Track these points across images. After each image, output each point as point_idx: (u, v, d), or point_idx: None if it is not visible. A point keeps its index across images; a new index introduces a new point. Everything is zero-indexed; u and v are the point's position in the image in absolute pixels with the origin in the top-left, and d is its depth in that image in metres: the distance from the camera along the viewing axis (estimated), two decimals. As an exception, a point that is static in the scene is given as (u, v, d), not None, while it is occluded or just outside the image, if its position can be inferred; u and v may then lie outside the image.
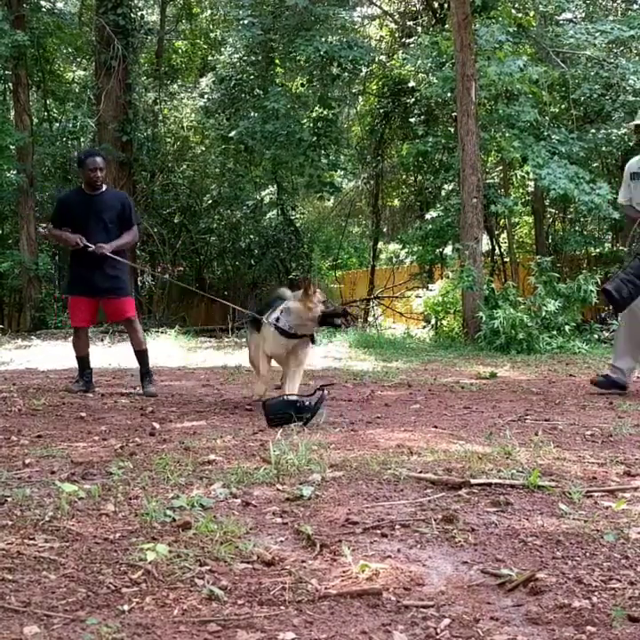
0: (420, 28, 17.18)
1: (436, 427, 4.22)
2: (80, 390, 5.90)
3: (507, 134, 12.15)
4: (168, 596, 1.89)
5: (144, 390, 5.94)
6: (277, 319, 4.93)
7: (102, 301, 6.02)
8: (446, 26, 14.61)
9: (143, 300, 17.21)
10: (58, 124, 19.36)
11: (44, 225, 6.48)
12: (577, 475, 3.02)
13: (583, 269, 13.02)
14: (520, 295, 11.10)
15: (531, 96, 12.33)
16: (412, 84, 15.51)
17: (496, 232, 16.43)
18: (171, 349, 10.62)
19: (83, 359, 6.09)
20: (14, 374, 7.64)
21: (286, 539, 2.31)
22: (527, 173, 13.12)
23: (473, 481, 2.85)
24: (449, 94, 12.93)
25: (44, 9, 17.62)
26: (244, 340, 13.19)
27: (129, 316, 6.07)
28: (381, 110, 18.19)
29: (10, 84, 17.59)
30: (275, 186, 18.91)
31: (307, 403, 4.36)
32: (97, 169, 5.84)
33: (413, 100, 16.52)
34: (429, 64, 13.34)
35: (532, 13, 14.01)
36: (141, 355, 6.09)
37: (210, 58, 19.84)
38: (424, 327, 14.41)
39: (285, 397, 4.53)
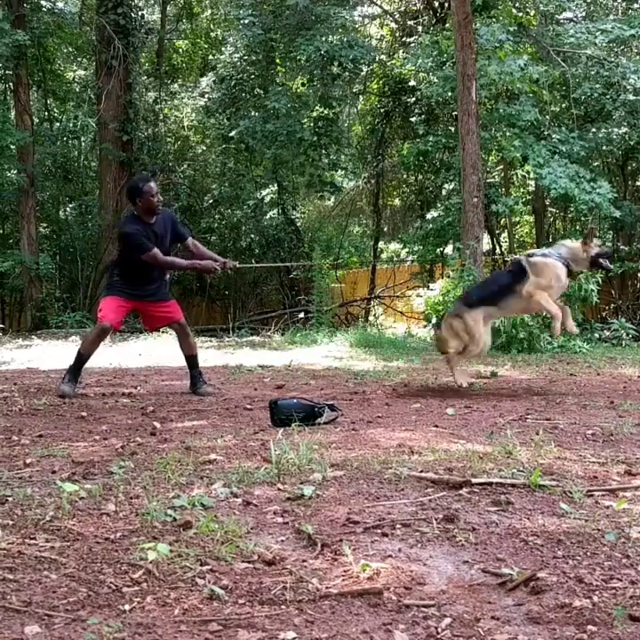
0: (420, 28, 17.17)
1: (436, 426, 4.22)
2: (72, 393, 5.62)
3: (507, 134, 12.14)
4: (169, 595, 1.89)
5: (200, 390, 5.81)
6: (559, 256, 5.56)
7: (145, 308, 5.86)
8: (447, 25, 14.60)
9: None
10: (58, 124, 19.36)
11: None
12: (578, 474, 3.02)
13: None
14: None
15: (531, 95, 12.33)
16: (412, 83, 15.50)
17: (497, 231, 16.43)
18: (171, 349, 10.61)
19: (85, 360, 5.80)
20: (15, 374, 7.64)
21: (287, 538, 2.31)
22: (528, 173, 13.12)
23: (474, 480, 2.85)
24: (449, 94, 12.92)
25: (44, 9, 17.62)
26: (244, 339, 13.21)
27: (178, 318, 5.90)
28: (382, 110, 18.19)
29: (10, 84, 17.60)
30: (275, 185, 18.91)
31: (324, 410, 4.35)
32: (157, 193, 5.63)
33: (414, 99, 16.52)
34: (430, 63, 13.33)
35: (532, 13, 14.01)
36: (195, 359, 5.96)
37: (210, 57, 19.84)
38: (425, 326, 14.39)
39: (299, 400, 4.52)
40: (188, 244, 5.91)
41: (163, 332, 12.77)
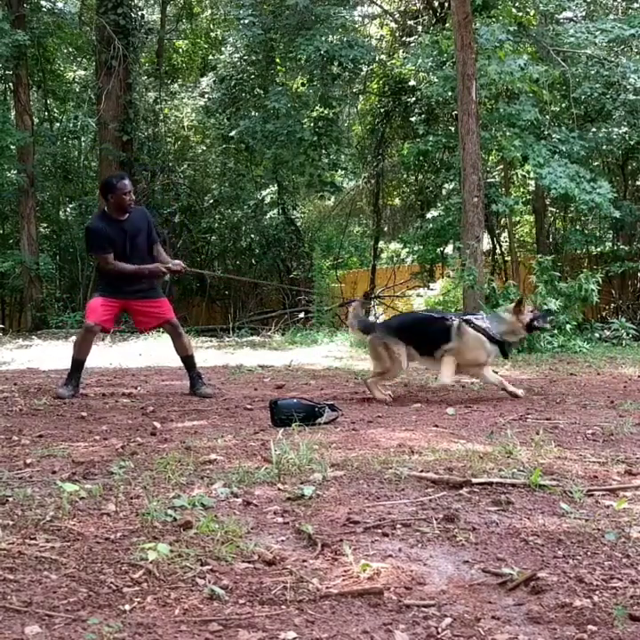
0: (420, 28, 17.17)
1: (437, 426, 4.22)
2: (71, 394, 5.61)
3: (507, 133, 12.13)
4: (169, 595, 1.89)
5: (200, 391, 5.75)
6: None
7: (133, 306, 5.80)
8: (447, 25, 14.59)
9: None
10: (58, 124, 19.38)
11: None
12: (578, 474, 3.02)
13: (584, 268, 12.99)
14: (521, 294, 11.08)
15: (531, 95, 12.32)
16: (412, 83, 15.50)
17: (497, 231, 16.42)
18: (172, 349, 10.61)
19: (81, 363, 5.77)
20: (15, 374, 7.64)
21: (287, 538, 2.31)
22: (528, 172, 13.11)
23: (474, 480, 2.85)
24: (449, 93, 12.92)
25: (44, 9, 17.63)
26: (245, 339, 13.21)
27: (169, 317, 5.84)
28: (382, 109, 18.19)
29: (10, 84, 17.62)
30: (275, 185, 18.90)
31: (324, 410, 4.35)
32: (130, 192, 5.63)
33: (414, 99, 16.52)
34: (430, 63, 13.33)
35: (532, 12, 13.99)
36: (190, 360, 5.90)
37: (210, 57, 19.84)
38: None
39: (299, 400, 4.53)
40: (154, 247, 5.86)
41: (163, 332, 12.77)
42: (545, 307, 10.26)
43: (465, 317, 5.58)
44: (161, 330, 13.14)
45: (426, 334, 5.52)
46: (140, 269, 5.69)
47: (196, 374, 5.89)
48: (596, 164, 14.42)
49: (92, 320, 5.63)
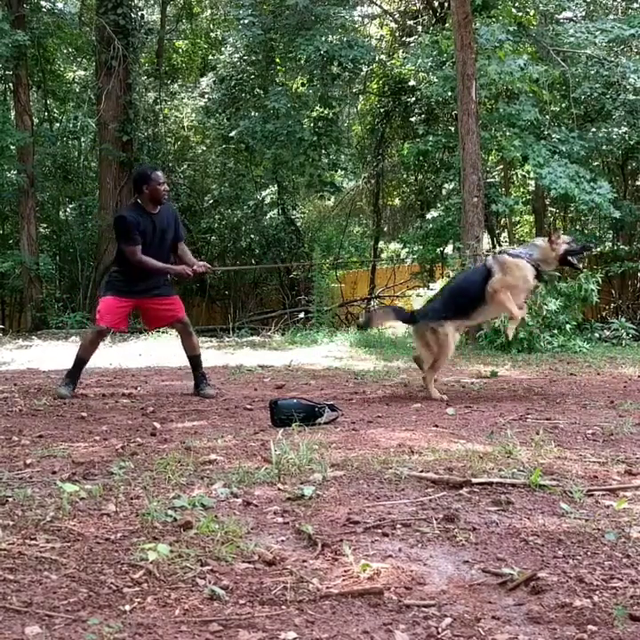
0: (420, 28, 17.18)
1: (436, 426, 4.22)
2: (70, 393, 5.60)
3: (507, 133, 12.14)
4: (169, 595, 1.89)
5: (203, 392, 5.73)
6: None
7: (146, 305, 5.73)
8: (447, 25, 14.60)
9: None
10: (58, 125, 19.37)
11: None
12: (578, 474, 3.02)
13: (584, 268, 13.01)
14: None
15: (531, 95, 12.32)
16: (412, 83, 15.50)
17: (497, 231, 16.42)
18: (172, 349, 10.61)
19: (84, 363, 5.77)
20: (15, 374, 7.64)
21: (287, 538, 2.31)
22: (528, 172, 13.12)
23: (474, 480, 2.86)
24: (449, 93, 12.92)
25: (44, 9, 17.62)
26: (245, 339, 13.21)
27: (181, 316, 5.79)
28: (382, 109, 18.19)
29: (10, 85, 17.61)
30: (275, 185, 18.90)
31: (324, 410, 4.35)
32: (165, 183, 5.58)
33: (414, 99, 16.52)
34: (430, 63, 13.33)
35: (532, 12, 14.00)
36: (197, 359, 5.87)
37: (210, 57, 19.84)
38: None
39: (299, 400, 4.52)
40: (179, 245, 5.82)
41: (163, 331, 12.76)
42: (545, 307, 10.25)
43: (497, 251, 5.63)
44: (161, 330, 13.13)
45: (469, 294, 5.50)
46: (166, 268, 5.65)
47: (202, 374, 5.86)
48: (595, 164, 14.42)
49: (106, 323, 5.59)
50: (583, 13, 15.36)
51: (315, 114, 16.15)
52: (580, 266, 6.13)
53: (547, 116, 13.16)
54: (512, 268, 5.41)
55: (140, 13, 17.79)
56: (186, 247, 5.90)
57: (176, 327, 5.96)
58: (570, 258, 5.58)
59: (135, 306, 5.76)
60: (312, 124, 15.87)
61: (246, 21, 15.65)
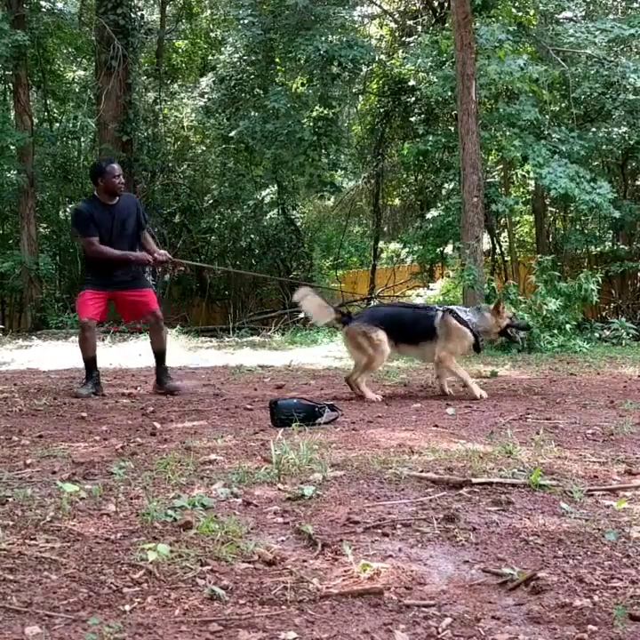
0: (420, 27, 17.17)
1: (436, 426, 4.22)
2: (90, 393, 5.68)
3: (507, 133, 12.14)
4: (169, 595, 1.89)
5: (168, 386, 5.86)
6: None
7: (120, 297, 5.85)
8: (446, 25, 14.60)
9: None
10: (58, 125, 19.37)
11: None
12: (578, 473, 3.02)
13: (584, 268, 13.01)
14: (521, 294, 11.09)
15: (531, 95, 12.32)
16: (412, 83, 15.50)
17: (497, 231, 16.42)
18: (172, 349, 10.57)
19: (91, 360, 5.83)
20: (15, 374, 7.64)
21: (287, 538, 2.31)
22: (528, 172, 13.11)
23: (474, 480, 2.85)
24: (449, 93, 12.92)
25: (43, 9, 17.61)
26: (245, 339, 13.21)
27: (154, 308, 5.87)
28: (382, 109, 18.19)
29: (10, 85, 17.60)
30: (275, 185, 18.90)
31: (324, 410, 4.35)
32: (120, 175, 5.72)
33: (414, 99, 16.52)
34: (430, 63, 13.33)
35: (532, 12, 13.99)
36: (163, 355, 5.99)
37: (210, 57, 19.83)
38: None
39: (299, 400, 4.53)
40: (141, 234, 5.92)
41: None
42: (545, 307, 10.26)
43: (448, 308, 5.70)
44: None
45: (410, 328, 5.66)
46: (125, 255, 5.74)
47: (165, 369, 5.99)
48: (595, 163, 14.42)
49: (85, 316, 5.73)
50: (583, 13, 15.36)
51: (314, 114, 16.14)
52: (518, 339, 6.48)
53: (546, 116, 13.16)
54: (454, 335, 5.54)
55: (139, 13, 17.78)
56: (149, 236, 6.02)
57: (148, 320, 6.03)
58: (509, 331, 5.77)
59: (110, 298, 5.87)
60: (312, 124, 15.86)
61: (246, 21, 15.65)
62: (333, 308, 6.08)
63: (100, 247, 5.62)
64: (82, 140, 19.32)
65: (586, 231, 14.64)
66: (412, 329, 5.62)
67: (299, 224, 19.96)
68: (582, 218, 14.85)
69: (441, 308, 5.73)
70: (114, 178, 5.65)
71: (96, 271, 5.77)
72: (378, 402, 5.33)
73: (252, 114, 16.03)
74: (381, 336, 5.48)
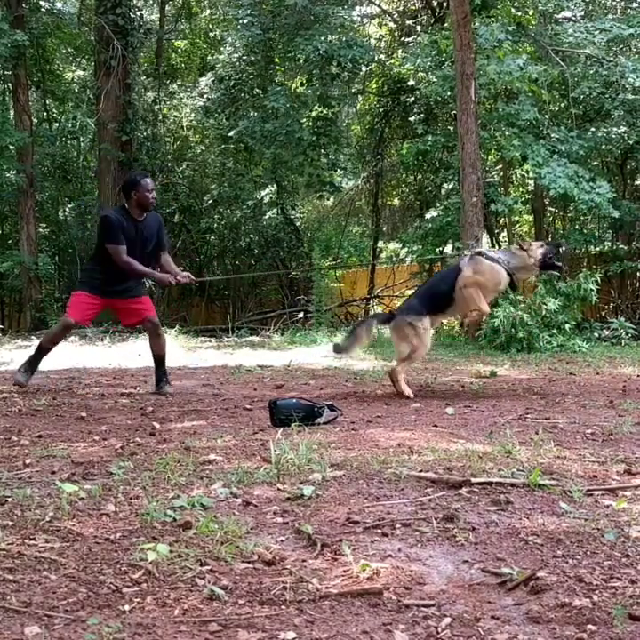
0: (419, 27, 17.17)
1: (436, 426, 4.22)
2: (27, 383, 5.71)
3: (506, 133, 12.14)
4: (169, 595, 1.89)
5: (163, 390, 5.87)
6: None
7: (117, 305, 5.86)
8: (446, 25, 14.60)
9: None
10: (57, 124, 19.36)
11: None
12: (577, 473, 3.02)
13: (583, 268, 13.01)
14: (520, 294, 11.10)
15: (530, 95, 12.32)
16: (411, 82, 15.50)
17: (496, 231, 16.41)
18: (171, 349, 10.54)
19: (47, 352, 5.86)
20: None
21: (287, 538, 2.31)
22: (527, 172, 13.11)
23: (473, 480, 2.86)
24: (449, 93, 12.92)
25: (43, 9, 17.61)
26: (244, 339, 13.21)
27: (151, 316, 5.87)
28: (381, 109, 18.18)
29: (9, 85, 17.59)
30: (274, 185, 18.89)
31: (323, 410, 4.35)
32: (153, 190, 5.66)
33: (413, 98, 16.51)
34: (429, 63, 13.33)
35: (531, 12, 13.99)
36: (163, 359, 6.00)
37: (209, 57, 19.82)
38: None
39: (299, 400, 4.53)
40: (162, 255, 5.88)
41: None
42: (544, 306, 10.24)
43: (477, 251, 5.73)
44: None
45: (442, 290, 5.67)
46: (151, 273, 5.73)
47: (164, 373, 5.99)
48: (595, 163, 14.42)
49: (74, 317, 5.70)
50: (582, 13, 15.37)
51: (314, 114, 16.14)
52: (561, 265, 6.10)
53: (546, 116, 13.16)
54: (485, 270, 5.52)
55: (138, 13, 17.78)
56: (169, 257, 5.97)
57: (146, 326, 6.02)
58: (549, 260, 5.64)
59: (106, 305, 5.86)
60: (311, 124, 15.86)
61: (245, 21, 15.65)
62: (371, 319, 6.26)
63: (129, 259, 5.52)
64: (81, 140, 19.31)
65: (585, 231, 14.63)
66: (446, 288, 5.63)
67: (298, 224, 19.95)
68: (581, 217, 14.84)
69: (468, 253, 5.78)
70: (147, 192, 5.57)
71: (104, 277, 5.67)
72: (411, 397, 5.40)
73: (252, 114, 16.03)
74: (426, 323, 5.55)
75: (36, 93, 19.10)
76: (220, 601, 1.86)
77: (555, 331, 10.40)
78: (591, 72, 13.21)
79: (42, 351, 5.86)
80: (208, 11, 21.00)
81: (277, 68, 16.98)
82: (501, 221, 16.06)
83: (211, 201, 19.25)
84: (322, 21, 14.98)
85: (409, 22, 17.95)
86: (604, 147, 13.84)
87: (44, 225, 19.15)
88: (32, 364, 5.86)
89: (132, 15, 16.85)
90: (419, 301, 5.78)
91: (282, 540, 2.29)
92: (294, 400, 4.52)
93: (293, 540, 2.30)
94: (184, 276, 5.88)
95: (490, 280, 5.53)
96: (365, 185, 20.00)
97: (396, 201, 21.07)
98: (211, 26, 21.07)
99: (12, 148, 15.98)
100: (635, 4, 15.53)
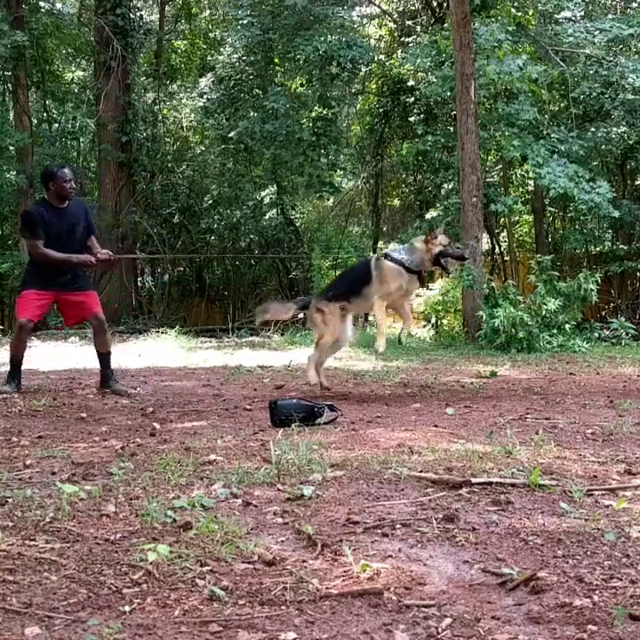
0: (419, 28, 17.17)
1: (436, 426, 4.22)
2: (14, 391, 5.70)
3: (506, 133, 12.14)
4: (169, 596, 1.89)
5: (115, 388, 5.88)
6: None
7: (63, 298, 5.87)
8: (445, 25, 14.60)
9: (143, 301, 17.20)
10: (57, 125, 19.36)
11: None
12: (578, 473, 3.02)
13: (583, 268, 13.01)
14: (520, 294, 11.11)
15: (530, 95, 12.32)
16: (411, 83, 15.50)
17: (496, 231, 16.41)
18: (171, 349, 10.62)
19: (20, 362, 5.88)
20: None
21: (287, 539, 2.31)
22: (527, 172, 13.13)
23: (474, 480, 2.86)
24: (448, 93, 12.92)
25: (43, 9, 17.61)
26: (244, 340, 13.21)
27: (96, 311, 5.91)
28: (381, 109, 18.18)
29: (9, 85, 17.58)
30: (274, 186, 18.89)
31: (323, 411, 4.35)
32: (71, 180, 5.82)
33: (413, 99, 16.51)
34: (429, 63, 13.33)
35: (531, 12, 13.99)
36: (108, 357, 5.99)
37: (209, 58, 19.82)
38: (424, 326, 14.41)
39: (299, 400, 4.53)
40: (90, 239, 6.00)
41: (162, 332, 12.76)
42: (544, 306, 10.24)
43: (382, 253, 5.92)
44: (161, 330, 13.08)
45: (349, 281, 5.97)
46: (68, 258, 5.78)
47: (111, 372, 6.02)
48: (594, 163, 14.40)
49: (26, 317, 5.73)
50: (582, 13, 15.37)
51: (314, 114, 16.13)
52: (450, 270, 6.23)
53: (546, 116, 13.16)
54: (389, 276, 5.63)
55: (138, 14, 17.78)
56: (95, 241, 6.08)
57: (91, 322, 6.07)
58: (442, 260, 5.73)
59: (55, 299, 5.91)
60: (311, 125, 15.86)
61: (245, 22, 15.64)
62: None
63: (44, 250, 5.68)
64: (81, 140, 19.31)
65: (585, 231, 14.63)
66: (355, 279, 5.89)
67: (298, 224, 19.95)
68: (581, 218, 14.83)
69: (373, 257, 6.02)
70: (65, 182, 5.73)
71: (43, 271, 5.78)
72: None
73: (252, 114, 16.02)
74: (332, 308, 5.76)
75: (35, 94, 19.09)
76: (220, 601, 1.86)
77: (555, 331, 10.40)
78: (591, 72, 13.22)
79: (15, 362, 5.88)
80: (208, 11, 21.00)
81: (277, 68, 16.97)
82: (501, 221, 16.06)
83: (211, 201, 19.25)
84: (322, 22, 14.98)
85: (409, 22, 17.94)
86: (603, 147, 13.85)
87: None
88: (12, 375, 5.87)
89: (131, 16, 16.85)
90: (328, 289, 6.11)
91: (282, 541, 2.29)
92: (294, 400, 4.53)
93: (294, 540, 2.30)
94: (103, 253, 5.97)
95: (394, 287, 5.67)
96: (365, 185, 20.00)
97: (396, 201, 21.07)
98: (210, 26, 21.07)
99: (11, 148, 15.97)
100: (634, 4, 15.54)
